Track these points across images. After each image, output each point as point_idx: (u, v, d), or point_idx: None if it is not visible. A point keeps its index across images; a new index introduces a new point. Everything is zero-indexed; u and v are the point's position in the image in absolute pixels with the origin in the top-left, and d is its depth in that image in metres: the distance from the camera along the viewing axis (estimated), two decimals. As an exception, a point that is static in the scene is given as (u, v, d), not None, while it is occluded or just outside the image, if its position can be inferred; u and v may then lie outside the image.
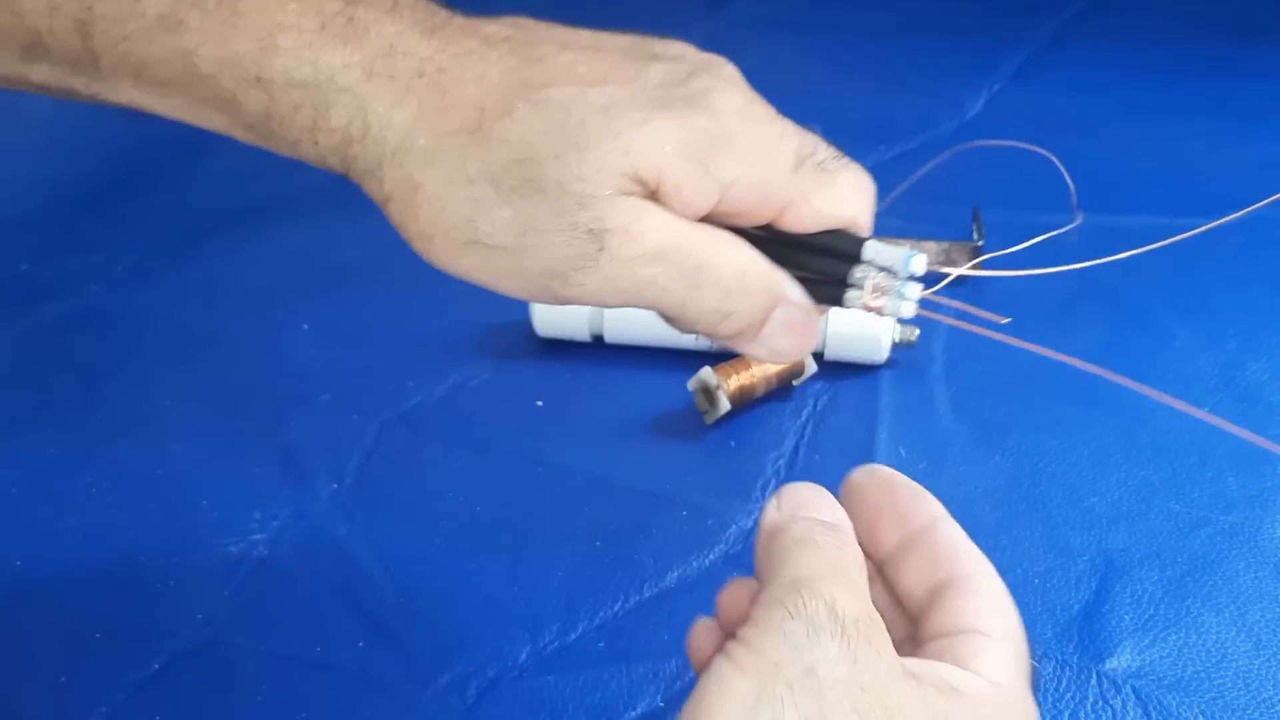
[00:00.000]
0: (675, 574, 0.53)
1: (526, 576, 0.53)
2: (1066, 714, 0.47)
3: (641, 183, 0.32)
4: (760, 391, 0.60)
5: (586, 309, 0.63)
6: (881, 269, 0.35)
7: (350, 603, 0.53)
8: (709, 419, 0.60)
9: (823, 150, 0.34)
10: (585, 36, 0.34)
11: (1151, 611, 0.51)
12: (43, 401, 0.64)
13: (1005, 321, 0.36)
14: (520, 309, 0.64)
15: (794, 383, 0.61)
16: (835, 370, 0.61)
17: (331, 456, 0.60)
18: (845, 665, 0.30)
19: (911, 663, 0.32)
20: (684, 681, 0.49)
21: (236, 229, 0.74)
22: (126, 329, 0.68)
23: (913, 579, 0.35)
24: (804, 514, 0.35)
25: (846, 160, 0.35)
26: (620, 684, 0.49)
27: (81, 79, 0.35)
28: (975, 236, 0.67)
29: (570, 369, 0.64)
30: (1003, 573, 0.52)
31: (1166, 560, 0.53)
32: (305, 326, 0.67)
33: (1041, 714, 0.47)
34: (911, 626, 0.35)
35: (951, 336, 0.64)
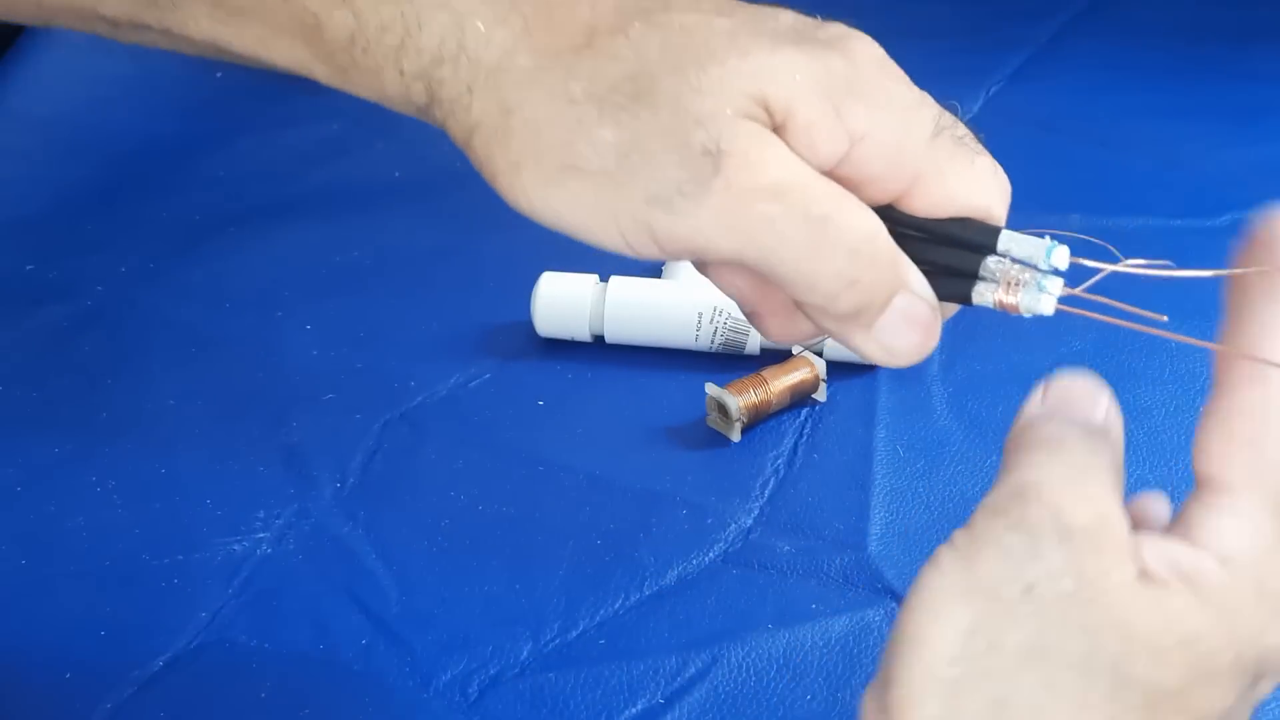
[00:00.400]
0: (675, 572, 0.54)
1: (528, 574, 0.54)
2: (1064, 711, 0.48)
3: (768, 110, 0.29)
4: (773, 408, 0.60)
5: (588, 309, 0.63)
6: (1016, 261, 0.32)
7: (353, 600, 0.53)
8: (713, 425, 0.60)
9: (962, 128, 0.31)
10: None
11: (1148, 609, 0.51)
12: (47, 401, 0.64)
13: (1164, 319, 0.33)
14: (522, 309, 0.65)
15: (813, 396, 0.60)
16: (833, 369, 0.61)
17: (334, 456, 0.60)
18: (1070, 578, 0.27)
19: (1145, 550, 0.28)
20: (684, 678, 0.49)
21: (240, 230, 0.74)
22: (131, 329, 0.68)
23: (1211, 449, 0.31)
24: (1067, 411, 0.31)
25: (983, 148, 0.31)
26: (621, 681, 0.49)
27: (154, 11, 0.33)
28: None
29: (571, 369, 0.64)
30: (1001, 571, 0.53)
31: (1163, 559, 0.53)
32: (308, 327, 0.68)
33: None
34: None
35: (949, 337, 0.64)
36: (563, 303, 0.63)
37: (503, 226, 0.70)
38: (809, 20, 0.31)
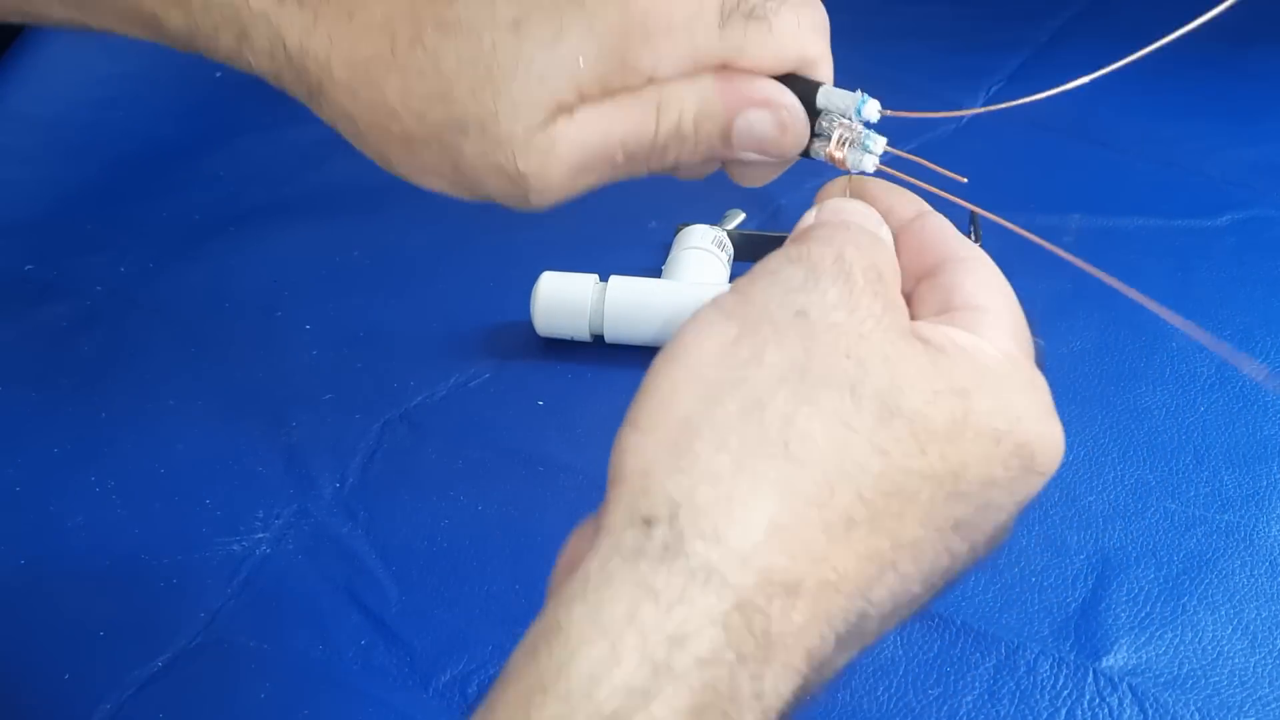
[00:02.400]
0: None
1: (528, 574, 0.54)
2: (1063, 712, 0.48)
3: (562, 106, 0.31)
4: None
5: (588, 309, 0.63)
6: (835, 114, 0.33)
7: (353, 601, 0.53)
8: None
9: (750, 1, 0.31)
10: None
11: (1148, 610, 0.51)
12: (47, 400, 0.64)
13: (964, 181, 0.34)
14: (522, 309, 0.65)
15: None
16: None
17: (334, 455, 0.60)
18: (843, 311, 0.27)
19: (920, 326, 0.29)
20: None
21: (239, 230, 0.74)
22: (130, 329, 0.68)
23: (904, 268, 0.32)
24: (844, 216, 0.32)
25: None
26: (621, 681, 0.49)
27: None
28: (973, 238, 0.67)
29: (571, 369, 0.64)
30: (999, 571, 0.53)
31: (1163, 559, 0.53)
32: (308, 326, 0.68)
33: (1038, 711, 0.48)
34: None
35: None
36: (562, 303, 0.63)
37: (502, 227, 0.70)
38: None
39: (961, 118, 0.83)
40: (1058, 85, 0.88)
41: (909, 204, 0.33)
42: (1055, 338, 0.64)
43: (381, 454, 0.60)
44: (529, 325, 0.65)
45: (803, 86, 0.33)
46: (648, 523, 0.26)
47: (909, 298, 0.32)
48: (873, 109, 0.33)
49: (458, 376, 0.64)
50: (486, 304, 0.67)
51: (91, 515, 0.57)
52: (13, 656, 0.51)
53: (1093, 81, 0.97)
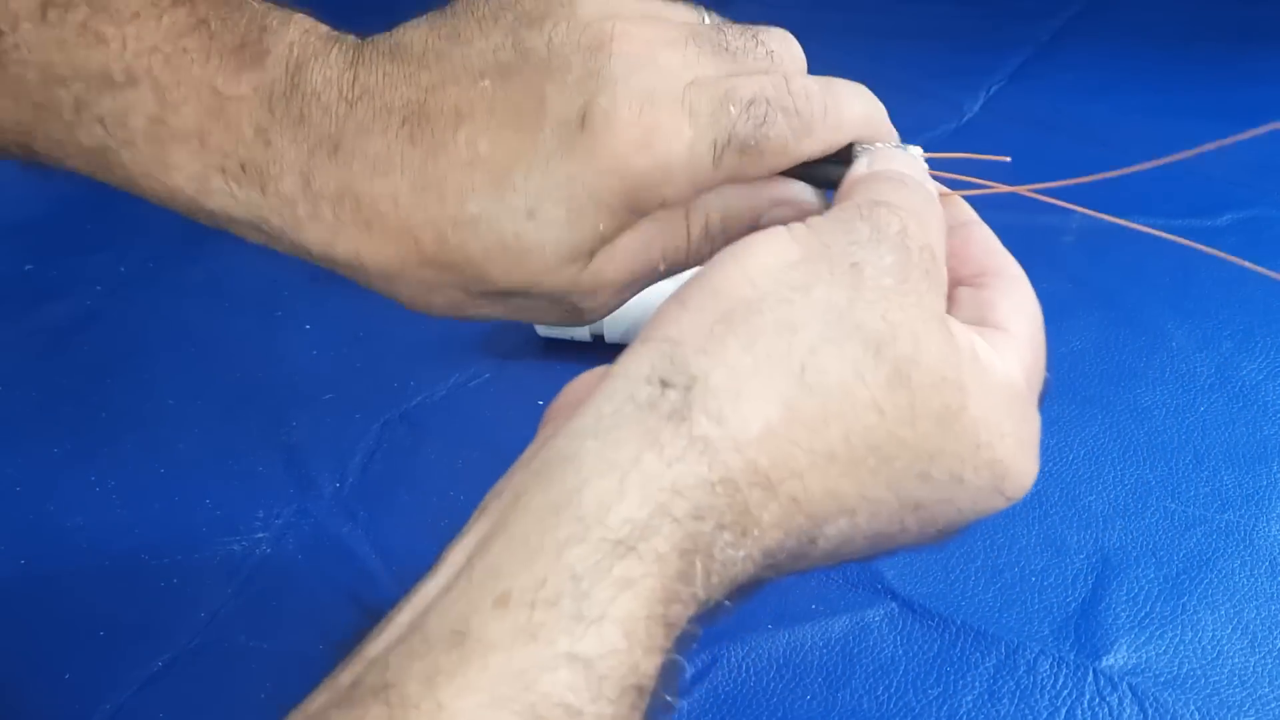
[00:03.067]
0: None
1: (528, 575, 0.54)
2: (1063, 711, 0.48)
3: (590, 252, 0.33)
4: None
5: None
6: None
7: (353, 600, 0.53)
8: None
9: (743, 124, 0.33)
10: (472, 62, 0.33)
11: (1148, 609, 0.51)
12: (47, 401, 0.64)
13: (1007, 160, 0.36)
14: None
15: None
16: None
17: (334, 455, 0.60)
18: (893, 278, 0.29)
19: (954, 320, 0.31)
20: (684, 678, 0.49)
21: (239, 230, 0.74)
22: (130, 329, 0.68)
23: (958, 261, 0.34)
24: (895, 167, 0.34)
25: (780, 104, 0.33)
26: (621, 681, 0.49)
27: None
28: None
29: (571, 369, 0.63)
30: (1000, 571, 0.53)
31: (1163, 558, 0.53)
32: (307, 326, 0.68)
33: (1038, 711, 0.48)
34: None
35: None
36: (562, 303, 0.63)
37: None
38: (568, 54, 0.32)
39: (961, 117, 0.83)
40: (1057, 85, 0.88)
41: (959, 210, 0.35)
42: (1055, 338, 0.63)
43: (381, 454, 0.60)
44: (529, 326, 0.65)
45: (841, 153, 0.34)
46: (665, 384, 0.28)
47: (948, 297, 0.33)
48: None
49: (458, 376, 0.64)
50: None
51: (91, 515, 0.57)
52: (13, 656, 0.51)
53: (1094, 81, 0.96)
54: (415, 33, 0.33)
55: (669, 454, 0.27)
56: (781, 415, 0.28)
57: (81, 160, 0.34)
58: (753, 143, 0.33)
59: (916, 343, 0.29)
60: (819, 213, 0.34)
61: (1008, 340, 0.32)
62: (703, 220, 0.34)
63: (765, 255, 0.30)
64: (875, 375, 0.28)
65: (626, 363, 0.29)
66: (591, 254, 0.33)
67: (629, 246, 0.34)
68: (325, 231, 0.33)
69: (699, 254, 0.35)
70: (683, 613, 0.27)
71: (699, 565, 0.27)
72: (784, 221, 0.33)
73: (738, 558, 0.27)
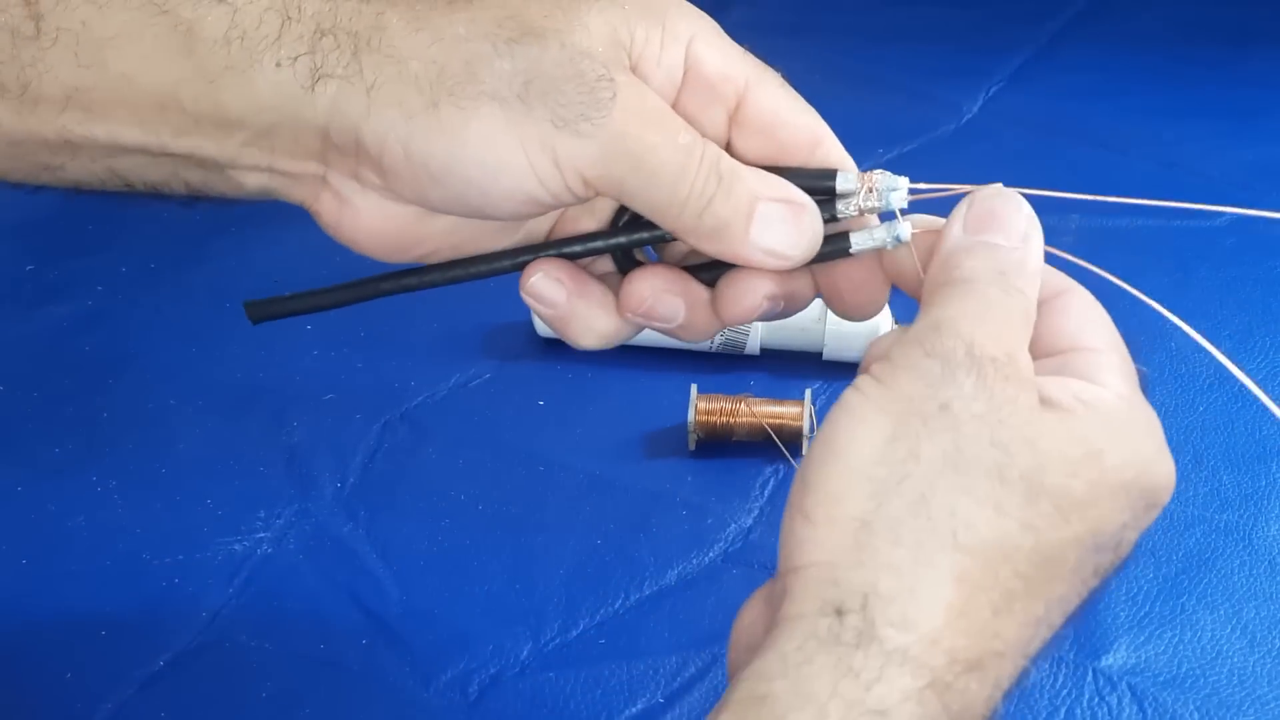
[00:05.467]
0: (675, 572, 0.54)
1: (528, 574, 0.54)
2: (1063, 711, 0.48)
3: (621, 45, 0.33)
4: (739, 435, 0.58)
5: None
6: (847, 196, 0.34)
7: (354, 600, 0.53)
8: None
9: None
10: None
11: (1147, 609, 0.51)
12: (48, 401, 0.64)
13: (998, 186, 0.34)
14: (522, 309, 0.65)
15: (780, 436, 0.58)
16: (835, 370, 0.61)
17: (335, 456, 0.60)
18: (981, 401, 0.29)
19: (1045, 384, 0.31)
20: (684, 678, 0.50)
21: (240, 230, 0.74)
22: (131, 329, 0.68)
23: None
24: (986, 237, 0.32)
25: None
26: (621, 680, 0.49)
27: (13, 67, 0.32)
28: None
29: (571, 369, 0.64)
30: (1000, 571, 0.53)
31: (1162, 558, 0.53)
32: (308, 326, 0.68)
33: (1038, 711, 0.48)
34: None
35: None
36: (563, 303, 0.63)
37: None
38: None
39: (961, 118, 0.83)
40: (1058, 85, 0.88)
41: (1051, 282, 0.34)
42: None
43: (382, 454, 0.60)
44: (529, 325, 0.65)
45: (811, 175, 0.34)
46: (839, 612, 0.28)
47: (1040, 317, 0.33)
48: (901, 196, 0.34)
49: (458, 376, 0.64)
50: (486, 304, 0.67)
51: (93, 515, 0.57)
52: (13, 656, 0.51)
53: (1093, 82, 0.96)
54: None
55: (866, 678, 0.27)
56: (958, 590, 0.28)
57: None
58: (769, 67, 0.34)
59: (1032, 448, 0.29)
60: (813, 220, 0.34)
61: (1095, 358, 0.32)
62: (716, 149, 0.34)
63: (863, 442, 0.29)
64: (1012, 500, 0.29)
65: (791, 602, 0.29)
66: (623, 53, 0.33)
67: (655, 95, 0.34)
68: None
69: (703, 179, 0.34)
70: None
71: None
72: (770, 238, 0.34)
73: None
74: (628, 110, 0.32)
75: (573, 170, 0.32)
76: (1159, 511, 0.32)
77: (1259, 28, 0.91)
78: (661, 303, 0.36)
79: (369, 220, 0.36)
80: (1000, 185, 0.34)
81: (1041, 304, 0.33)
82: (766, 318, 0.36)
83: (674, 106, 0.34)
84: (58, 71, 0.32)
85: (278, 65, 0.32)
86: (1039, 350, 0.32)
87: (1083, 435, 0.30)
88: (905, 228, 0.34)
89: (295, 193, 0.36)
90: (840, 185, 0.34)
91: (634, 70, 0.33)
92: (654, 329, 0.37)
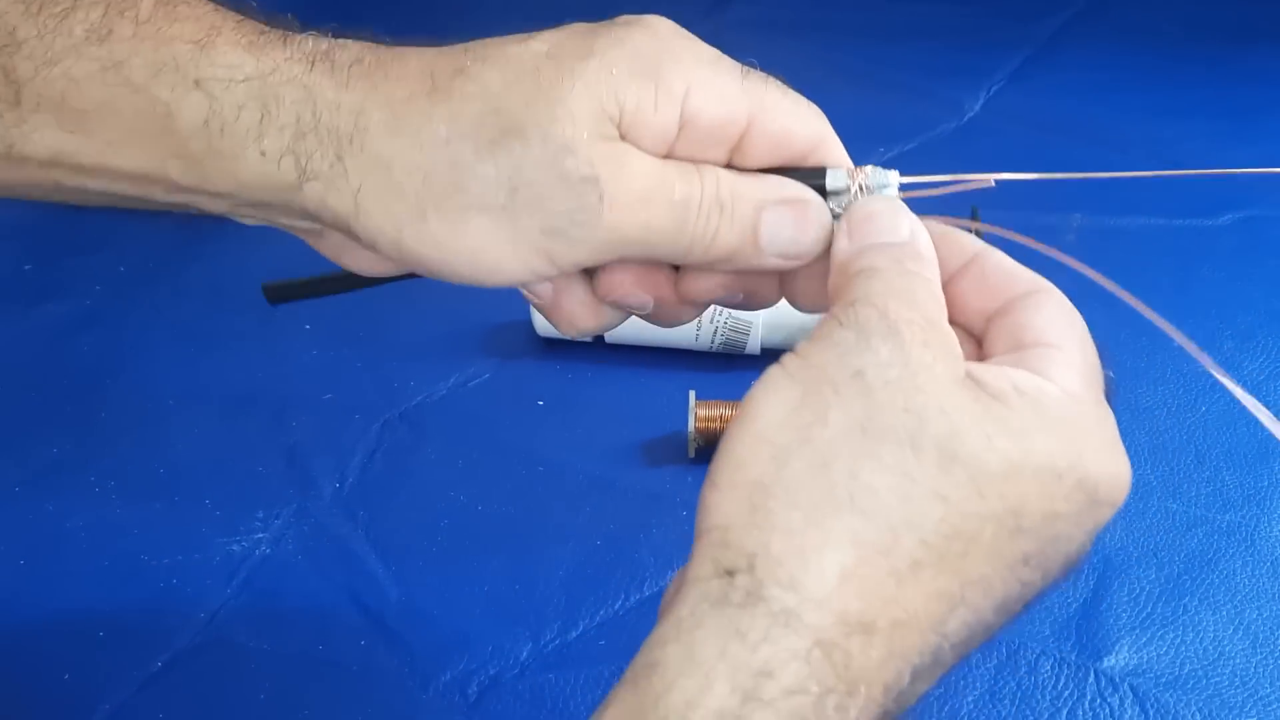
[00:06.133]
0: (675, 573, 0.54)
1: (528, 575, 0.54)
2: (1064, 712, 0.48)
3: (609, 117, 0.32)
4: None
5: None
6: (839, 194, 0.34)
7: (352, 601, 0.53)
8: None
9: (764, 75, 0.33)
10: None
11: (1149, 610, 0.51)
12: (46, 401, 0.64)
13: (991, 184, 0.35)
14: (522, 308, 0.65)
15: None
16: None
17: (334, 456, 0.60)
18: (897, 368, 0.29)
19: (977, 367, 0.30)
20: None
21: (239, 229, 0.74)
22: (130, 329, 0.68)
23: (970, 309, 0.33)
24: (873, 240, 0.33)
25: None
26: (621, 681, 0.49)
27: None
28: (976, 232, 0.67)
29: (571, 369, 0.64)
30: (1001, 571, 0.53)
31: (1164, 559, 0.53)
32: (307, 326, 0.68)
33: (1039, 711, 0.48)
34: (978, 351, 0.33)
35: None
36: (563, 303, 0.63)
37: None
38: (600, 23, 0.33)
39: (962, 116, 0.83)
40: (1058, 83, 0.88)
41: (964, 246, 0.34)
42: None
43: (381, 454, 0.60)
44: (529, 325, 0.65)
45: (804, 174, 0.34)
46: (730, 573, 0.28)
47: (982, 337, 0.33)
48: (892, 191, 0.34)
49: (458, 376, 0.64)
50: (486, 304, 0.67)
51: (91, 515, 0.57)
52: (13, 656, 0.51)
53: (1094, 81, 0.96)
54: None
55: (753, 638, 0.27)
56: (852, 553, 0.28)
57: (66, 54, 0.32)
58: (773, 84, 0.33)
59: (947, 417, 0.29)
60: (819, 216, 0.34)
61: (1051, 354, 0.31)
62: (714, 181, 0.34)
63: (770, 408, 0.30)
64: (922, 468, 0.28)
65: (691, 567, 0.29)
66: (606, 117, 0.32)
67: (650, 160, 0.33)
68: (339, 80, 0.32)
69: (705, 221, 0.34)
70: None
71: None
72: (780, 240, 0.34)
73: (851, 715, 0.27)
74: (617, 205, 0.32)
75: (570, 264, 0.33)
76: (1109, 511, 0.31)
77: (1260, 26, 0.91)
78: (632, 293, 0.36)
79: (370, 262, 0.36)
80: (991, 176, 0.34)
81: (1011, 302, 0.32)
82: (727, 303, 0.36)
83: (671, 151, 0.33)
84: (42, 135, 0.32)
85: (263, 155, 0.32)
86: (1001, 346, 0.32)
87: (1004, 416, 0.29)
88: (891, 194, 0.34)
89: (296, 233, 0.37)
90: (831, 183, 0.34)
91: (624, 135, 0.32)
92: (629, 311, 0.37)
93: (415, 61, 0.32)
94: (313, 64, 0.32)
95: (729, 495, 0.29)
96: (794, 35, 0.90)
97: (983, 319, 0.33)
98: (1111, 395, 0.33)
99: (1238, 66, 0.88)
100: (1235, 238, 0.72)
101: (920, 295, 0.31)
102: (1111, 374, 0.33)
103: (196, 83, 0.31)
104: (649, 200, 0.32)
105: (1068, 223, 0.71)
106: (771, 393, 0.30)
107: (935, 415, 0.29)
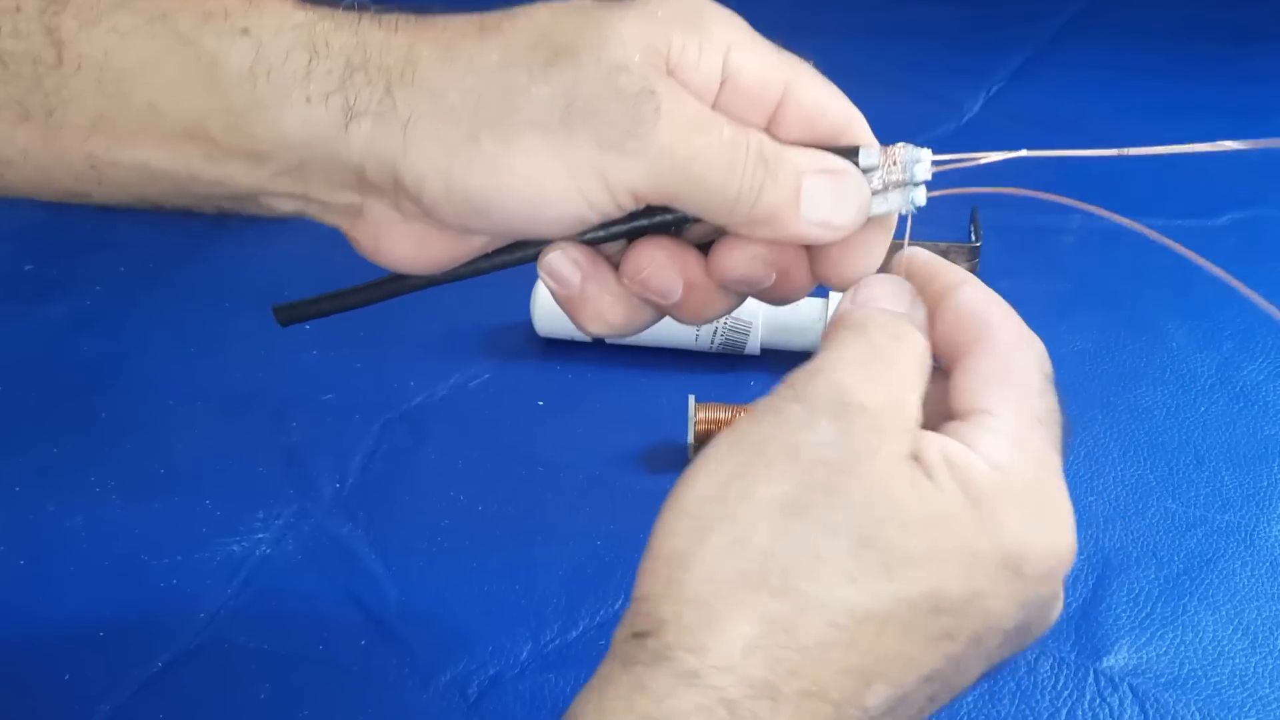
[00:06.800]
0: None
1: (528, 575, 0.54)
2: (1064, 712, 0.48)
3: (657, 52, 0.32)
4: None
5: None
6: (875, 169, 0.34)
7: (352, 601, 0.53)
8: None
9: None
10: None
11: (1148, 610, 0.51)
12: (47, 401, 0.64)
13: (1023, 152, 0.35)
14: (522, 309, 0.65)
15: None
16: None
17: (334, 456, 0.60)
18: (835, 450, 0.29)
19: (925, 441, 0.30)
20: None
21: (240, 230, 0.74)
22: (130, 329, 0.68)
23: (941, 346, 0.33)
24: (875, 305, 0.33)
25: None
26: (621, 681, 0.49)
27: (39, 112, 0.32)
28: (973, 238, 0.67)
29: (571, 369, 0.64)
30: (1001, 571, 0.53)
31: (1163, 559, 0.53)
32: (307, 326, 0.67)
33: (1039, 712, 0.48)
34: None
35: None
36: (562, 303, 0.63)
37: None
38: None
39: (961, 116, 0.83)
40: (1059, 83, 0.88)
41: (952, 274, 0.34)
42: (1056, 338, 0.63)
43: (381, 454, 0.60)
44: (529, 325, 0.65)
45: (842, 153, 0.34)
46: (640, 636, 0.29)
47: (951, 373, 0.32)
48: (925, 168, 0.34)
49: (458, 377, 0.64)
50: (486, 304, 0.67)
51: (91, 515, 0.57)
52: (13, 656, 0.51)
53: (1094, 81, 0.96)
54: None
55: (657, 693, 0.28)
56: (759, 628, 0.28)
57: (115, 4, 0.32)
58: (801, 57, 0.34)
59: (870, 501, 0.29)
60: (858, 184, 0.34)
61: (986, 421, 0.30)
62: (759, 137, 0.33)
63: (701, 480, 0.30)
64: (835, 549, 0.28)
65: (618, 627, 0.30)
66: (661, 62, 0.32)
67: (700, 106, 0.33)
68: (387, 30, 0.32)
69: (751, 171, 0.33)
70: None
71: None
72: (820, 208, 0.33)
73: None
74: (673, 120, 0.31)
75: (623, 189, 0.32)
76: (1045, 584, 0.30)
77: (1259, 25, 0.91)
78: (662, 272, 0.35)
79: (407, 246, 0.35)
80: (1019, 153, 0.33)
81: (964, 349, 0.32)
82: (756, 288, 0.35)
83: (714, 105, 0.33)
84: (82, 99, 0.32)
85: (308, 101, 0.31)
86: (954, 411, 0.32)
87: (933, 501, 0.29)
88: (921, 192, 0.34)
89: (330, 219, 0.36)
90: (864, 161, 0.34)
91: (671, 76, 0.32)
92: (653, 303, 0.36)
93: (462, 20, 0.32)
94: (360, 17, 0.32)
95: (650, 566, 0.30)
96: (794, 35, 0.90)
97: (951, 356, 0.33)
98: (1067, 443, 0.32)
99: (1238, 65, 0.88)
100: (1235, 238, 0.72)
101: (892, 369, 0.31)
102: (1068, 417, 0.32)
103: (244, 30, 0.31)
104: (703, 128, 0.32)
105: (1067, 223, 0.71)
106: (708, 464, 0.30)
107: (859, 500, 0.29)
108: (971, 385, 0.31)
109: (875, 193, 0.34)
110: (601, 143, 0.31)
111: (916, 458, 0.30)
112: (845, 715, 0.29)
